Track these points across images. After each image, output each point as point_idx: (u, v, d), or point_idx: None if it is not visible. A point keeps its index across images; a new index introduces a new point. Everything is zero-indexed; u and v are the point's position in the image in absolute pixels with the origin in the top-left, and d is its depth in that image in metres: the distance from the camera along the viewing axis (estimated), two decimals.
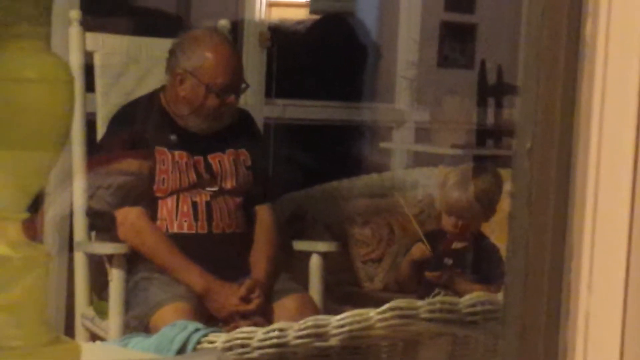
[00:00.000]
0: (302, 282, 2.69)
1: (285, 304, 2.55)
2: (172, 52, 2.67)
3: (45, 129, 1.11)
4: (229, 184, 2.65)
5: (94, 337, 2.58)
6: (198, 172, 2.63)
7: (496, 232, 2.98)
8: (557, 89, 1.04)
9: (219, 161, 2.66)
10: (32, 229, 1.18)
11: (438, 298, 1.54)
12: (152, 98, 2.70)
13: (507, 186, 2.94)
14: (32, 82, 1.10)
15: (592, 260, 0.98)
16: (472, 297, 1.55)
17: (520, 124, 1.08)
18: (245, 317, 2.48)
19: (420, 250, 2.79)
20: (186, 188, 2.59)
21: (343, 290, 2.92)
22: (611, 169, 0.97)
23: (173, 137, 2.61)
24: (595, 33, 0.97)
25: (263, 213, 2.70)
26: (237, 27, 3.46)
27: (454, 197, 2.76)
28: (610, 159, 0.97)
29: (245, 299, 2.51)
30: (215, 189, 2.63)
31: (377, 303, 1.74)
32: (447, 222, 2.79)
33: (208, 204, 2.60)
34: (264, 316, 2.50)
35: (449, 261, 2.79)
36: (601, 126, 0.98)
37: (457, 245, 2.80)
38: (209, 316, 2.46)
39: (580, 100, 1.00)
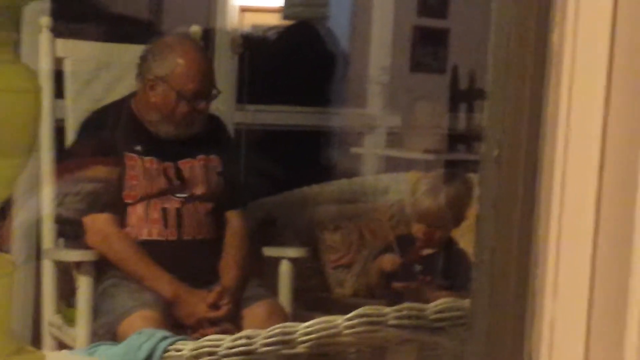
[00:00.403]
0: (272, 288, 2.68)
1: (255, 311, 2.54)
2: (143, 58, 2.66)
3: (11, 137, 1.10)
4: (199, 190, 2.64)
5: (61, 345, 2.55)
6: (168, 178, 2.61)
7: (465, 236, 2.99)
8: (524, 96, 1.05)
9: (190, 167, 2.65)
10: (1, 237, 1.16)
11: (405, 304, 1.54)
12: (122, 104, 2.68)
13: (476, 191, 2.95)
14: None
15: (557, 266, 0.98)
16: (440, 303, 1.55)
17: (488, 131, 1.09)
18: (214, 324, 2.47)
19: (390, 260, 2.80)
20: (156, 194, 2.58)
21: (313, 296, 2.91)
22: (577, 177, 0.97)
23: (137, 149, 2.59)
24: (562, 41, 0.98)
25: (233, 219, 2.69)
26: (209, 33, 3.45)
27: (425, 205, 2.77)
28: (576, 166, 0.98)
29: (214, 306, 2.50)
30: (185, 195, 2.62)
31: (348, 309, 1.74)
32: (417, 229, 2.80)
33: (178, 210, 2.59)
34: (233, 323, 2.49)
35: (417, 267, 2.79)
36: (568, 133, 0.98)
37: (426, 251, 2.81)
38: (177, 324, 2.45)
39: (547, 108, 1.01)
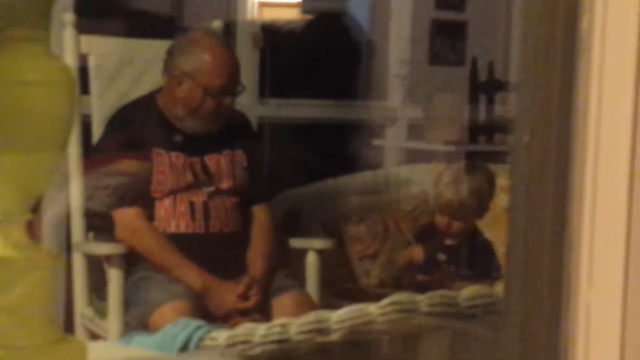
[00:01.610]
0: (299, 280, 2.70)
1: (283, 301, 2.56)
2: (169, 54, 2.67)
3: (47, 131, 1.12)
4: (225, 185, 2.66)
5: (93, 336, 2.58)
6: (195, 173, 2.63)
7: (490, 227, 3.00)
8: (554, 82, 1.05)
9: (216, 162, 2.67)
10: (32, 231, 1.19)
11: (438, 292, 1.56)
12: (148, 99, 2.71)
13: (499, 182, 2.96)
14: (34, 85, 1.10)
15: (591, 252, 0.99)
16: (472, 291, 1.57)
17: (518, 118, 1.09)
18: (244, 314, 2.49)
19: (418, 252, 2.81)
20: (183, 188, 2.60)
21: (340, 287, 2.93)
22: (609, 161, 0.98)
23: (178, 138, 2.62)
24: (591, 27, 0.98)
25: (260, 213, 2.72)
26: (230, 28, 3.47)
27: (446, 198, 2.78)
28: (608, 151, 0.98)
29: (243, 297, 2.52)
30: (212, 189, 2.64)
31: (374, 299, 1.76)
32: (440, 221, 2.81)
33: (205, 204, 2.61)
34: (262, 313, 2.51)
35: (442, 258, 2.80)
36: (599, 118, 0.99)
37: (450, 242, 2.82)
38: (207, 315, 2.47)
39: (578, 93, 1.01)
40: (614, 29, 0.97)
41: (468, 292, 1.59)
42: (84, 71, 2.76)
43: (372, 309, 1.58)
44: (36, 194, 1.17)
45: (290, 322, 1.57)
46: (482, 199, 2.81)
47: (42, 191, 1.20)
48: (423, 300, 1.58)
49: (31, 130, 1.10)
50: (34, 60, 1.11)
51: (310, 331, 1.56)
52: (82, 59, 2.77)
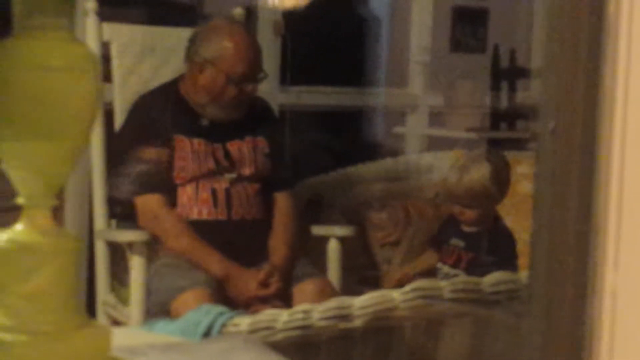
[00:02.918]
0: (321, 267, 2.70)
1: (304, 288, 2.56)
2: (192, 41, 2.68)
3: (72, 117, 1.12)
4: (247, 171, 2.66)
5: (115, 323, 2.60)
6: (217, 160, 2.64)
7: (512, 214, 2.98)
8: (579, 67, 1.04)
9: (238, 148, 2.68)
10: (56, 217, 1.19)
11: (461, 278, 1.55)
12: (171, 87, 2.71)
13: (520, 169, 2.94)
14: (58, 70, 1.11)
15: (618, 237, 0.98)
16: (495, 277, 1.56)
17: (543, 104, 1.08)
18: (265, 301, 2.50)
19: (432, 258, 2.81)
20: (205, 175, 2.61)
21: (361, 274, 2.93)
22: (636, 147, 0.97)
23: (204, 122, 2.62)
24: (618, 12, 0.97)
25: (282, 200, 2.72)
26: (251, 15, 3.47)
27: (453, 185, 2.77)
28: (635, 136, 0.97)
29: (265, 284, 2.52)
30: (234, 175, 2.64)
31: (396, 286, 1.75)
32: (454, 209, 2.80)
33: (227, 190, 2.62)
34: (283, 300, 2.52)
35: (461, 244, 2.80)
36: (626, 104, 0.98)
37: (469, 229, 2.81)
38: (228, 302, 2.47)
39: (604, 78, 1.00)
40: None
41: (491, 279, 1.58)
42: (106, 59, 2.76)
43: (394, 295, 1.58)
44: (61, 180, 1.17)
45: (312, 309, 1.57)
46: (491, 188, 2.79)
47: (66, 177, 1.20)
48: (446, 286, 1.58)
49: (55, 117, 1.10)
50: (57, 46, 1.12)
51: (332, 317, 1.56)
52: (104, 47, 2.78)
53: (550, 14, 1.07)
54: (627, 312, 0.96)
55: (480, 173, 2.73)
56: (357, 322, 1.58)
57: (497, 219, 2.85)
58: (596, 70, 1.02)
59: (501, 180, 2.78)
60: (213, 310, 1.67)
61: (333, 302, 1.59)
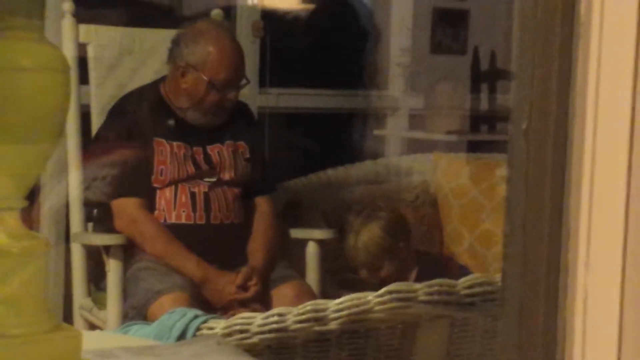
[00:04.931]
0: (300, 270, 2.70)
1: (283, 292, 2.56)
2: (175, 43, 2.66)
3: (42, 117, 1.11)
4: (227, 175, 2.66)
5: (92, 327, 2.58)
6: (196, 163, 2.63)
7: (492, 217, 2.99)
8: (552, 68, 1.04)
9: (218, 152, 2.67)
10: (29, 220, 1.18)
11: (436, 280, 1.55)
12: (152, 88, 2.70)
13: (500, 172, 2.95)
14: (28, 70, 1.10)
15: (589, 239, 0.98)
16: (470, 279, 1.56)
17: (516, 105, 1.08)
18: (243, 305, 2.49)
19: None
20: (184, 179, 2.60)
21: (340, 277, 2.93)
22: (607, 147, 0.97)
23: (170, 122, 2.61)
24: (589, 11, 0.97)
25: (262, 204, 2.71)
26: (230, 16, 3.46)
27: (354, 255, 2.82)
28: (607, 137, 0.97)
29: (243, 287, 2.51)
30: (213, 179, 2.63)
31: (375, 289, 1.75)
32: (365, 275, 2.84)
33: (206, 194, 2.61)
34: (262, 304, 2.51)
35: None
36: (597, 104, 0.98)
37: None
38: (206, 305, 2.46)
39: (576, 79, 1.01)
40: (612, 13, 0.96)
41: (467, 281, 1.58)
42: (83, 61, 2.75)
43: (370, 297, 1.57)
44: (30, 182, 1.16)
45: (287, 312, 1.57)
46: (386, 241, 2.81)
47: (36, 179, 1.19)
48: (421, 288, 1.57)
49: (25, 118, 1.09)
50: (28, 47, 1.11)
51: (307, 320, 1.56)
52: (81, 49, 2.76)
53: (522, 15, 1.08)
54: (598, 311, 0.97)
55: (371, 232, 2.76)
56: (332, 325, 1.57)
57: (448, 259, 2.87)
58: (568, 71, 1.02)
59: (398, 229, 2.81)
60: (188, 314, 1.66)
61: (308, 305, 1.58)
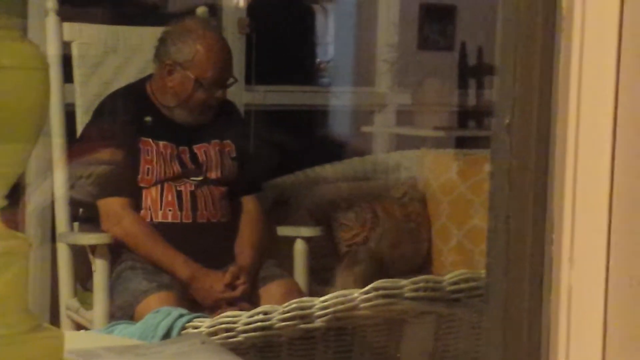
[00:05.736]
0: (287, 268, 2.69)
1: (271, 290, 2.55)
2: (162, 41, 2.64)
3: (21, 116, 1.10)
4: (214, 174, 2.65)
5: (79, 327, 2.57)
6: (183, 163, 2.62)
7: (480, 212, 2.99)
8: (534, 63, 1.04)
9: (204, 151, 2.66)
10: (13, 221, 1.17)
11: (421, 277, 1.55)
12: (138, 87, 2.68)
13: (488, 167, 2.95)
14: (7, 69, 1.09)
15: (573, 233, 0.98)
16: (455, 275, 1.56)
17: (499, 100, 1.08)
18: (231, 303, 2.48)
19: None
20: (171, 178, 2.59)
21: (328, 275, 2.93)
22: (590, 142, 0.97)
23: (148, 119, 2.59)
24: (571, 6, 0.97)
25: (249, 203, 2.71)
26: (215, 14, 3.45)
27: None
28: (589, 131, 0.97)
29: (230, 286, 2.51)
30: (200, 178, 2.62)
31: (363, 287, 1.75)
32: None
33: (192, 193, 2.60)
34: (250, 302, 2.50)
35: None
36: (579, 98, 0.98)
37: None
38: (194, 305, 2.46)
39: (558, 73, 1.00)
40: (594, 8, 0.96)
41: (452, 277, 1.58)
42: (67, 59, 2.73)
43: (355, 294, 1.57)
44: (10, 181, 1.15)
45: (273, 310, 1.56)
46: None
47: (16, 178, 1.18)
48: (407, 285, 1.57)
49: (4, 116, 1.08)
50: (7, 45, 1.10)
51: (292, 318, 1.55)
52: (65, 47, 2.74)
53: (505, 11, 1.08)
54: (582, 306, 0.97)
55: None
56: (318, 323, 1.57)
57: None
58: (550, 66, 1.02)
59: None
60: (172, 313, 1.65)
61: (293, 303, 1.58)
